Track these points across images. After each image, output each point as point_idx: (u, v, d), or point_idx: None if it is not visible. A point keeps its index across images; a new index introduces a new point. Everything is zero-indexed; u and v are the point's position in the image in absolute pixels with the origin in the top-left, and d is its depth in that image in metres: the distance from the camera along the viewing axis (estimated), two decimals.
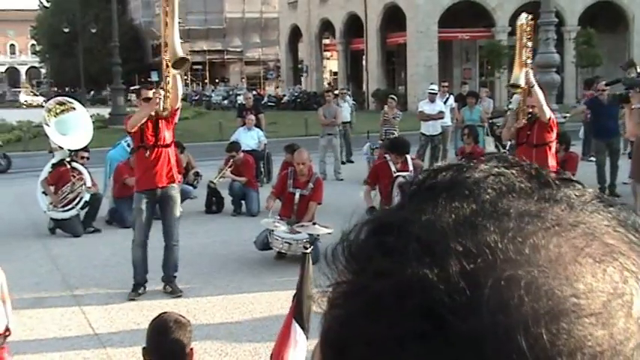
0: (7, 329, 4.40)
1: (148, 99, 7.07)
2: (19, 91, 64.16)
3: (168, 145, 7.15)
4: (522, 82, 7.57)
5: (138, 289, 7.10)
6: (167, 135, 7.12)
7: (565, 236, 0.46)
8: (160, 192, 7.10)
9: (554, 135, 7.96)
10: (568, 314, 0.43)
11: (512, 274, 0.44)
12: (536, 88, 7.62)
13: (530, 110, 7.83)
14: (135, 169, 7.23)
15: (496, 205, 0.48)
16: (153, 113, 7.00)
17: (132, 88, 44.08)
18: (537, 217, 0.47)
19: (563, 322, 0.43)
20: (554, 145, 8.03)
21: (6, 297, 4.51)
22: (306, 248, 3.79)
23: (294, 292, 3.63)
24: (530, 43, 7.69)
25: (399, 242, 0.47)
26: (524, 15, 7.95)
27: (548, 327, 0.42)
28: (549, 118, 7.72)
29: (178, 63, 6.64)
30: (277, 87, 53.68)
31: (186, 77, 64.67)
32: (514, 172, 0.51)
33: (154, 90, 7.09)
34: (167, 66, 6.75)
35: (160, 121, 7.05)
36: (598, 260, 0.45)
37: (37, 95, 59.01)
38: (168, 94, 6.89)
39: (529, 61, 7.65)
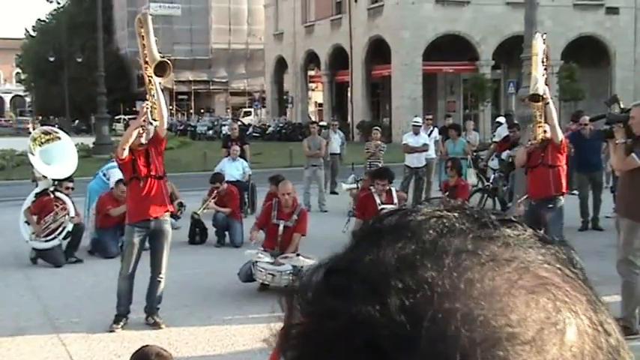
0: None
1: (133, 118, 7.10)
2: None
3: (161, 177, 7.15)
4: (542, 91, 7.71)
5: (120, 320, 7.04)
6: (158, 165, 7.10)
7: (499, 270, 0.49)
8: (153, 224, 7.06)
9: (564, 157, 8.14)
10: (503, 342, 0.45)
11: (450, 307, 0.46)
12: (552, 106, 7.81)
13: (546, 128, 7.96)
14: (127, 201, 7.15)
15: (436, 244, 0.50)
16: (144, 141, 6.96)
17: (117, 117, 43.84)
18: (473, 254, 0.49)
19: (498, 350, 0.45)
20: (564, 169, 8.21)
21: None
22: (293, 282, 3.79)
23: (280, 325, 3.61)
24: (545, 61, 7.95)
25: (346, 283, 0.49)
26: (539, 34, 8.32)
27: (484, 355, 0.44)
28: (561, 140, 7.92)
29: (160, 68, 6.68)
30: (246, 115, 53.45)
31: (171, 107, 64.73)
32: (455, 214, 0.54)
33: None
34: (150, 81, 6.79)
35: (150, 151, 7.04)
36: (531, 292, 0.48)
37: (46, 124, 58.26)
38: (154, 105, 6.88)
39: (545, 76, 7.87)
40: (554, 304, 0.48)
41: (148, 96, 6.94)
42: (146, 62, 6.81)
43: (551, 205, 7.95)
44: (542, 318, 0.47)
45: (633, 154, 6.58)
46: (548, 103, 7.77)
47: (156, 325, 7.06)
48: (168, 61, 6.92)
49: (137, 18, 7.12)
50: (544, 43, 8.19)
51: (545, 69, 8.09)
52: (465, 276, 0.48)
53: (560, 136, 7.93)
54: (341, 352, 0.47)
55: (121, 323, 7.03)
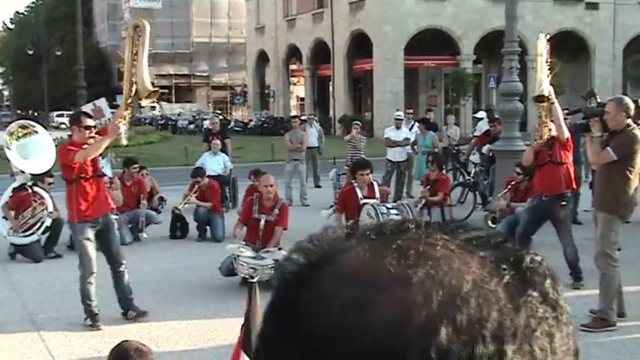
0: None
1: (88, 127, 7.05)
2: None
3: (102, 176, 7.33)
4: (547, 92, 7.73)
5: (96, 317, 7.00)
6: (97, 165, 7.22)
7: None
8: (102, 220, 7.11)
9: (570, 154, 8.17)
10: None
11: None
12: (557, 105, 7.84)
13: (551, 127, 7.98)
14: (73, 200, 7.04)
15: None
16: (86, 145, 7.00)
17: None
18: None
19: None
20: (572, 166, 8.24)
21: None
22: (252, 277, 3.79)
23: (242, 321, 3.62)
24: (549, 60, 7.97)
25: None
26: (542, 35, 8.36)
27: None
28: (567, 138, 7.94)
29: (149, 94, 6.65)
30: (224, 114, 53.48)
31: (153, 101, 64.41)
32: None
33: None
34: (129, 97, 6.74)
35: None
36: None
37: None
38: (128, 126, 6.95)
39: (549, 77, 7.89)
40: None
41: (124, 114, 6.93)
42: (134, 82, 6.70)
43: (564, 203, 8.01)
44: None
45: (608, 148, 6.65)
46: (553, 103, 7.80)
47: (139, 316, 7.05)
48: (157, 89, 6.91)
49: (133, 24, 6.99)
50: (547, 42, 8.18)
51: (550, 69, 8.12)
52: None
53: (567, 133, 7.97)
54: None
55: (98, 320, 7.00)
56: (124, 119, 6.92)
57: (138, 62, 6.68)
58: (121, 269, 7.20)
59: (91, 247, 7.02)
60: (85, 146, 6.92)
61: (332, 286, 0.54)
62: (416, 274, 0.53)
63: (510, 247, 0.58)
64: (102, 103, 15.11)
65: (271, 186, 8.80)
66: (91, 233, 7.01)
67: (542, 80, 7.85)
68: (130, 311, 7.16)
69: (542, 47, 8.10)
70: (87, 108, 15.04)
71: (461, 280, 0.53)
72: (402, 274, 0.53)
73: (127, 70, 6.83)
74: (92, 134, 6.99)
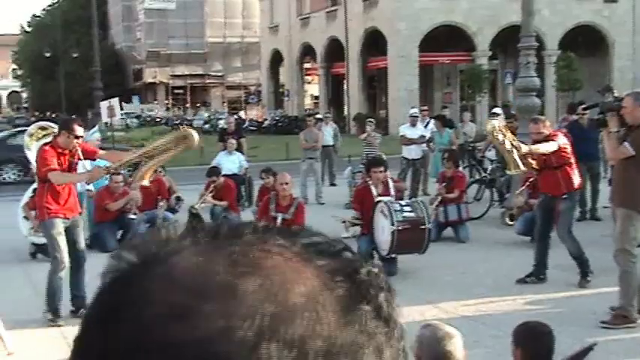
0: None
1: (78, 137, 7.19)
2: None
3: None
4: (524, 167, 7.88)
5: (58, 312, 7.14)
6: (75, 170, 7.37)
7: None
8: (70, 222, 7.26)
9: (570, 156, 8.06)
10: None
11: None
12: (536, 149, 7.85)
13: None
14: (44, 199, 7.14)
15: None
16: (68, 151, 7.13)
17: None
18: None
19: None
20: (572, 165, 8.14)
21: None
22: None
23: None
24: (508, 141, 7.87)
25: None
26: (492, 122, 8.24)
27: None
28: (556, 149, 7.84)
29: (139, 181, 7.25)
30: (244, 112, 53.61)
31: (167, 101, 64.67)
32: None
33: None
34: (127, 165, 7.37)
35: (73, 157, 7.23)
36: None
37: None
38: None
39: (515, 144, 7.83)
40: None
41: (112, 169, 7.33)
42: (143, 168, 7.06)
43: (565, 196, 7.96)
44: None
45: (625, 143, 6.60)
46: (531, 153, 7.90)
47: None
48: (147, 185, 7.64)
49: (185, 134, 7.22)
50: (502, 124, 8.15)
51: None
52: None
53: (551, 148, 7.85)
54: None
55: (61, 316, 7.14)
56: (105, 172, 7.29)
57: (158, 158, 7.03)
58: (83, 266, 7.34)
59: (63, 241, 7.15)
60: (64, 175, 7.06)
61: (157, 289, 0.51)
62: (244, 284, 0.51)
63: (349, 257, 0.56)
64: (115, 102, 15.32)
65: (287, 184, 8.84)
66: (61, 227, 7.15)
67: (513, 159, 7.82)
68: (82, 310, 7.28)
69: (497, 127, 7.93)
70: (103, 105, 15.30)
71: (291, 293, 0.51)
72: (229, 282, 0.51)
73: (148, 150, 7.14)
74: (78, 144, 7.15)
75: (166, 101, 65.09)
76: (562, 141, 8.03)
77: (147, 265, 0.54)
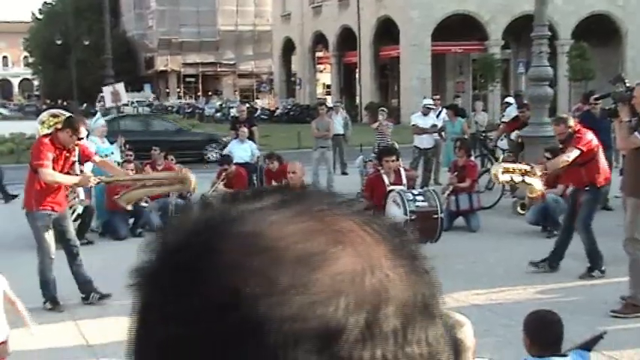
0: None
1: (80, 138, 7.30)
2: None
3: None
4: (541, 188, 8.16)
5: (56, 299, 7.26)
6: (68, 167, 7.40)
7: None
8: (58, 214, 7.31)
9: (595, 152, 8.02)
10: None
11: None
12: (554, 166, 8.03)
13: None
14: (34, 188, 7.20)
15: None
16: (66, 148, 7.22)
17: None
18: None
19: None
20: (599, 161, 8.13)
21: (14, 299, 5.05)
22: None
23: None
24: (516, 175, 7.98)
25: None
26: (492, 170, 8.49)
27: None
28: (578, 154, 7.84)
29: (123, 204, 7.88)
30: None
31: (179, 90, 64.76)
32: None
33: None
34: (117, 182, 7.75)
35: (70, 154, 7.29)
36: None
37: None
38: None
39: (526, 170, 8.00)
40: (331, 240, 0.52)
41: (101, 181, 7.72)
42: (133, 195, 7.60)
43: (587, 188, 7.97)
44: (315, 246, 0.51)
45: (636, 133, 6.58)
46: (548, 172, 8.16)
47: (102, 299, 7.30)
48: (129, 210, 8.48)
49: (184, 177, 7.63)
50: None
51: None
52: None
53: (571, 156, 7.84)
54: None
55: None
56: (95, 182, 7.54)
57: (150, 189, 7.67)
58: (78, 254, 7.42)
59: (49, 235, 7.21)
60: (53, 174, 7.06)
61: (242, 253, 0.51)
62: (339, 254, 0.51)
63: (411, 237, 0.58)
64: (120, 87, 15.31)
65: (294, 173, 8.84)
66: (48, 221, 7.20)
67: (529, 185, 8.04)
68: (92, 294, 7.36)
69: (498, 172, 8.12)
70: (107, 90, 15.29)
71: (376, 269, 0.52)
72: (325, 251, 0.51)
73: (143, 179, 7.79)
74: (77, 144, 7.28)
75: (178, 89, 65.18)
76: (586, 140, 7.97)
77: (225, 223, 0.53)
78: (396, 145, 11.01)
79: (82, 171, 7.64)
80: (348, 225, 0.53)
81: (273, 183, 12.48)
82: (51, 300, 7.21)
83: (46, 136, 7.38)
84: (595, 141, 8.06)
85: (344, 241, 0.51)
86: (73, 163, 7.39)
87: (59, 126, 10.07)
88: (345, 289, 0.49)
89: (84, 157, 7.54)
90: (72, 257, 7.41)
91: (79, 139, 7.26)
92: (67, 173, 7.29)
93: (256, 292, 0.48)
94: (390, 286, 0.51)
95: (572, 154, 7.79)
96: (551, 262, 8.06)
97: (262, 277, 0.49)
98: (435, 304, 0.55)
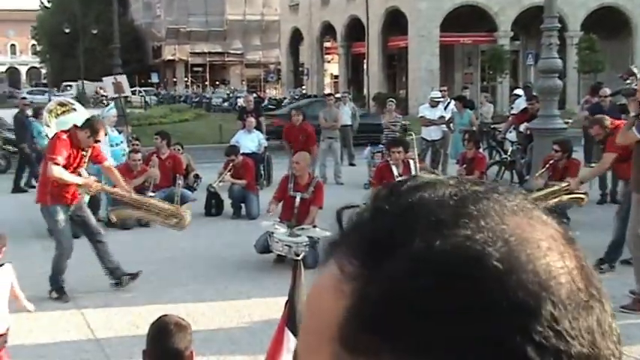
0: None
1: (98, 141, 7.36)
2: None
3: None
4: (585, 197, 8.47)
5: (63, 290, 7.23)
6: (84, 162, 7.44)
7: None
8: (74, 207, 7.35)
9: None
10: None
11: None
12: (587, 177, 8.42)
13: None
14: (47, 184, 7.20)
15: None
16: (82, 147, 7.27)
17: (132, 89, 43.92)
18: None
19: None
20: None
21: (18, 292, 5.03)
22: (298, 255, 3.79)
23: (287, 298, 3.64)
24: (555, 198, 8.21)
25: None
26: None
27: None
28: (613, 157, 7.87)
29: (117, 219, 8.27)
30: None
31: (186, 79, 64.75)
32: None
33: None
34: (120, 196, 7.78)
35: (85, 153, 7.31)
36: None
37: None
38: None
39: (563, 188, 8.25)
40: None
41: (104, 189, 7.90)
42: (135, 211, 7.83)
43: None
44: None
45: (633, 128, 6.52)
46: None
47: (133, 278, 7.37)
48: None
49: (178, 214, 7.96)
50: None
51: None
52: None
53: (605, 162, 8.07)
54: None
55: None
56: (97, 189, 7.60)
57: (143, 214, 7.93)
58: (102, 240, 7.43)
59: (67, 227, 7.25)
60: (62, 172, 7.05)
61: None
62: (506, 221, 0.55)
63: (566, 223, 0.62)
64: (123, 78, 15.24)
65: (297, 163, 8.82)
66: (65, 214, 7.22)
67: (571, 196, 8.34)
68: (123, 278, 7.37)
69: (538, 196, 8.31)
70: (108, 81, 15.22)
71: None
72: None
73: (141, 201, 7.86)
74: (93, 146, 7.34)
75: (185, 79, 65.17)
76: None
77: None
78: (413, 136, 10.94)
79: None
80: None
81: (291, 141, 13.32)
82: (57, 289, 7.20)
83: (65, 131, 7.38)
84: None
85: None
86: (84, 162, 7.40)
87: (68, 115, 10.09)
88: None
89: (94, 159, 7.53)
90: (97, 246, 7.42)
91: (97, 141, 7.25)
92: (76, 170, 7.29)
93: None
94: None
95: (607, 159, 7.92)
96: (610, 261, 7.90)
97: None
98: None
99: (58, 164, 7.00)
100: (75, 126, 7.42)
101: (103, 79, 16.13)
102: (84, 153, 7.28)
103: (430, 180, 0.59)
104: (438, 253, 0.51)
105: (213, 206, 11.56)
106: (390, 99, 16.51)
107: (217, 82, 63.11)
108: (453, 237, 0.52)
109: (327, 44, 50.51)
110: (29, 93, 46.10)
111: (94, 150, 7.43)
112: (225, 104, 43.95)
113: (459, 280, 0.50)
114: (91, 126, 7.28)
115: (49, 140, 7.58)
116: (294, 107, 12.73)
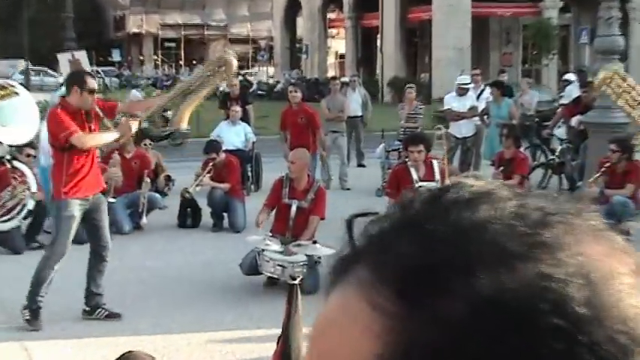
0: None
1: (93, 91, 7.26)
2: None
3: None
4: None
5: (39, 312, 7.16)
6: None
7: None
8: (92, 199, 7.33)
9: None
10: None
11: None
12: None
13: None
14: (62, 172, 7.19)
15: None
16: (83, 111, 7.22)
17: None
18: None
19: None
20: None
21: None
22: (294, 278, 3.79)
23: (279, 332, 3.66)
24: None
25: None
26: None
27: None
28: None
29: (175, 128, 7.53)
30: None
31: (155, 57, 64.84)
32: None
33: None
34: (161, 111, 7.93)
35: (91, 118, 7.30)
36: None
37: None
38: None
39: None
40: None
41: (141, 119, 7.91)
42: (179, 110, 7.81)
43: None
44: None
45: None
46: None
47: (109, 317, 7.32)
48: (188, 131, 8.25)
49: (220, 58, 7.77)
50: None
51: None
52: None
53: None
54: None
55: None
56: (138, 126, 7.60)
57: (196, 96, 7.62)
58: (105, 258, 7.42)
59: (73, 227, 7.22)
60: (91, 135, 7.17)
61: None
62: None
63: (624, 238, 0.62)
64: (82, 55, 15.25)
65: (292, 163, 8.83)
66: (78, 211, 7.20)
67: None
68: (99, 310, 7.36)
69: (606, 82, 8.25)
70: (64, 58, 15.20)
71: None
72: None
73: (181, 89, 7.85)
74: (94, 101, 7.24)
75: (155, 57, 65.27)
76: None
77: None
78: (442, 130, 10.97)
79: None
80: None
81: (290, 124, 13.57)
82: (33, 310, 7.14)
83: (55, 107, 7.46)
84: None
85: None
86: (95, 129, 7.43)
87: (7, 100, 10.08)
88: None
89: (108, 112, 7.47)
90: (97, 260, 7.42)
91: (91, 92, 7.22)
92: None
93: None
94: None
95: None
96: None
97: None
98: None
99: (77, 132, 7.03)
100: (60, 97, 7.50)
101: (58, 55, 16.12)
102: (89, 120, 7.26)
103: (481, 190, 0.58)
104: (508, 293, 0.50)
105: (188, 216, 11.57)
106: (410, 85, 16.53)
107: (194, 62, 63.11)
108: (524, 273, 0.51)
109: (331, 15, 50.58)
110: None
111: (98, 104, 7.36)
112: None
113: (535, 330, 0.50)
114: (73, 80, 7.35)
115: (47, 123, 7.58)
116: (293, 83, 12.84)
